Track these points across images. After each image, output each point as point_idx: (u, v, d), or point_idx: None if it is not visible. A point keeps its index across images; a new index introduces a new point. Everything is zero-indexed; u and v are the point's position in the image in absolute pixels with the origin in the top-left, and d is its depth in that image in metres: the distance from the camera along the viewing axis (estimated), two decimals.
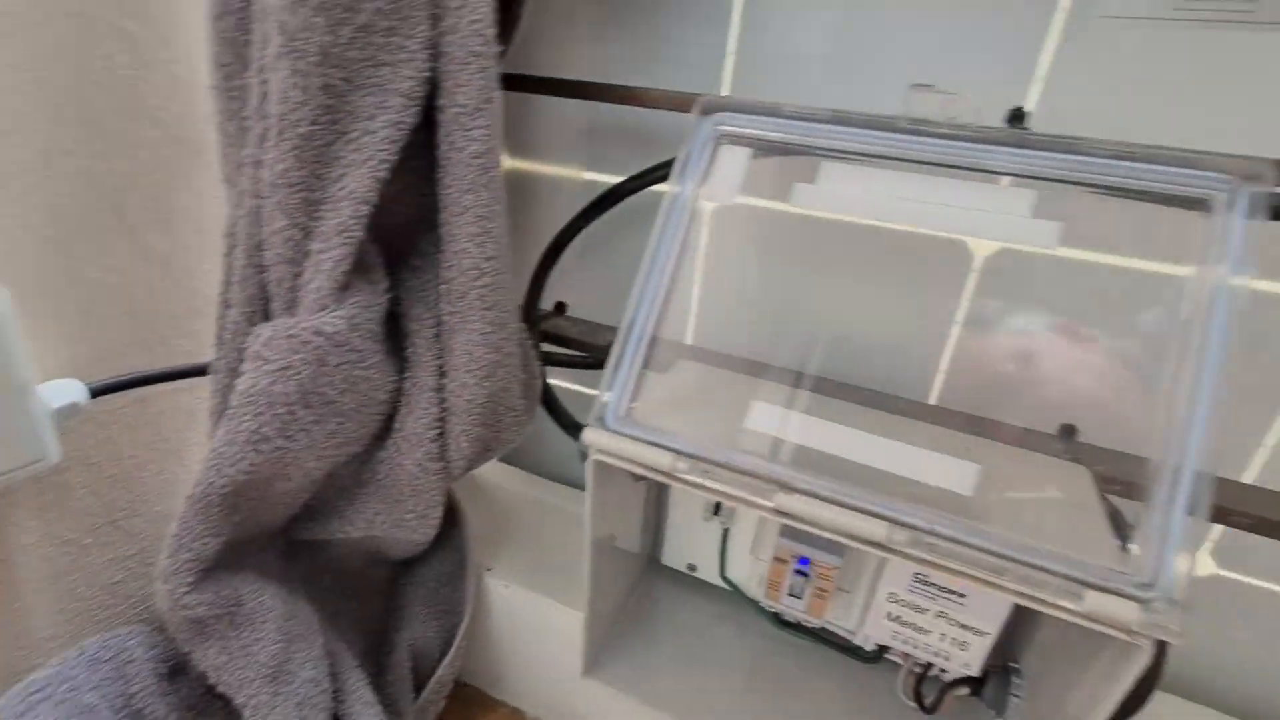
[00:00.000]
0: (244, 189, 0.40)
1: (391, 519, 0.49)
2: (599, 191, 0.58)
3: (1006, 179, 0.40)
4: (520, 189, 0.69)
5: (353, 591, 0.59)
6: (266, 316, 0.42)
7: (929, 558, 0.35)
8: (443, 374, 0.45)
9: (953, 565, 0.35)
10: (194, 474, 0.41)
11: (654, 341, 0.45)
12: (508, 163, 0.68)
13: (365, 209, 0.38)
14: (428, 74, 0.38)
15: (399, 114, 0.37)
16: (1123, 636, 0.32)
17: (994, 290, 0.55)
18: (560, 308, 0.64)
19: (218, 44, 0.39)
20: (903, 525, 0.36)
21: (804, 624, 0.55)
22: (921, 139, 0.40)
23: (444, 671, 0.58)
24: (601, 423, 0.42)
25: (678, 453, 0.40)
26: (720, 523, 0.55)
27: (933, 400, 0.59)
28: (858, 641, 0.53)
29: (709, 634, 0.57)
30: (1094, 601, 0.32)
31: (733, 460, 0.39)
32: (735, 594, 0.58)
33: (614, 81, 0.55)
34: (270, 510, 0.46)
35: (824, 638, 0.55)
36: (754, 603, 0.57)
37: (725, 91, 0.58)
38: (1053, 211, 0.40)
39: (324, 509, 0.51)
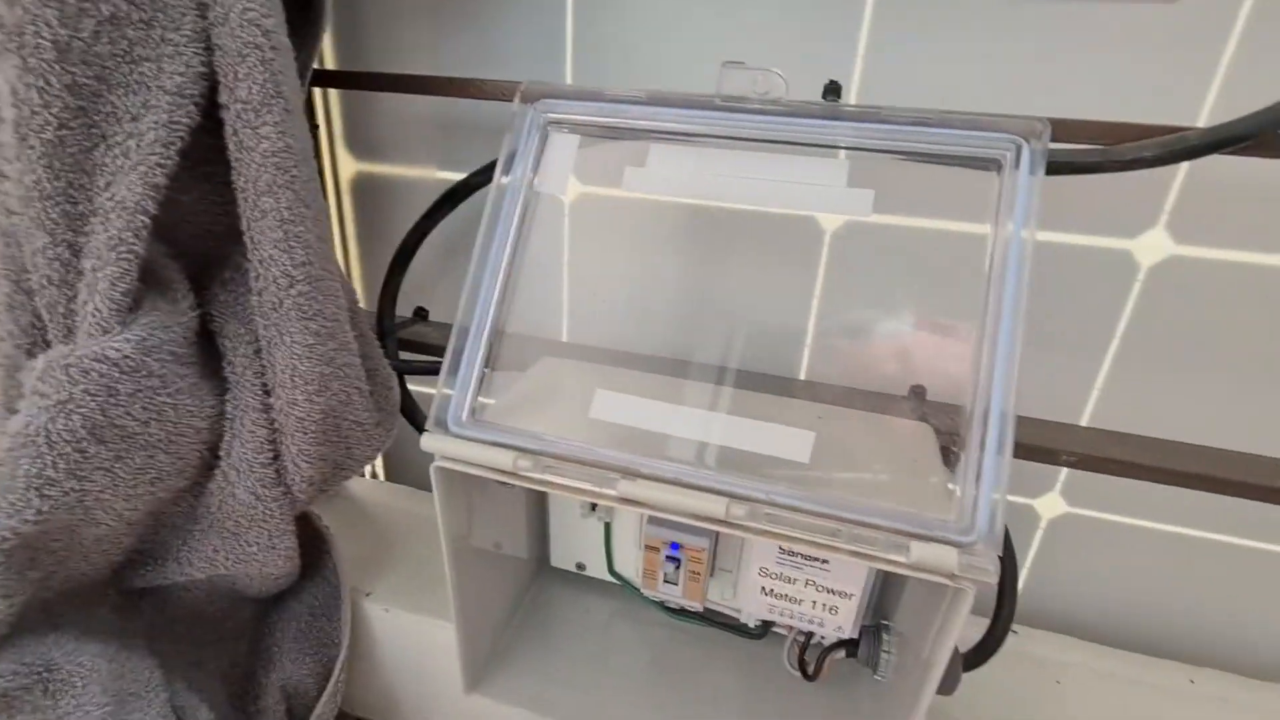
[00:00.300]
0: None
1: (234, 555, 0.46)
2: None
3: (825, 151, 0.41)
4: (372, 193, 0.66)
5: (213, 638, 0.54)
6: (48, 346, 0.38)
7: (767, 528, 0.35)
8: (268, 393, 0.42)
9: (790, 533, 0.35)
10: None
11: (502, 338, 0.43)
12: (354, 166, 0.65)
13: (142, 219, 0.35)
14: (202, 69, 0.35)
15: (170, 113, 0.34)
16: (947, 582, 0.33)
17: (845, 260, 0.56)
18: (420, 313, 0.61)
19: None
20: (740, 499, 0.35)
21: (690, 609, 0.55)
22: (737, 115, 0.41)
23: (322, 709, 0.54)
24: (442, 426, 0.40)
25: (520, 450, 0.39)
26: (599, 518, 0.54)
27: (802, 374, 0.61)
28: (743, 620, 0.53)
29: (602, 632, 0.56)
30: (919, 552, 0.33)
31: (575, 453, 0.38)
32: (627, 588, 0.57)
33: (461, 75, 0.53)
34: (84, 560, 0.42)
35: (714, 620, 0.55)
36: (644, 595, 0.56)
37: (569, 79, 0.57)
38: (867, 180, 0.41)
39: (157, 552, 0.46)
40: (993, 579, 0.32)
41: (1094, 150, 0.38)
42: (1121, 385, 0.54)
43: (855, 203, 0.40)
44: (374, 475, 0.77)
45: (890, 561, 0.34)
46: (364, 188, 0.66)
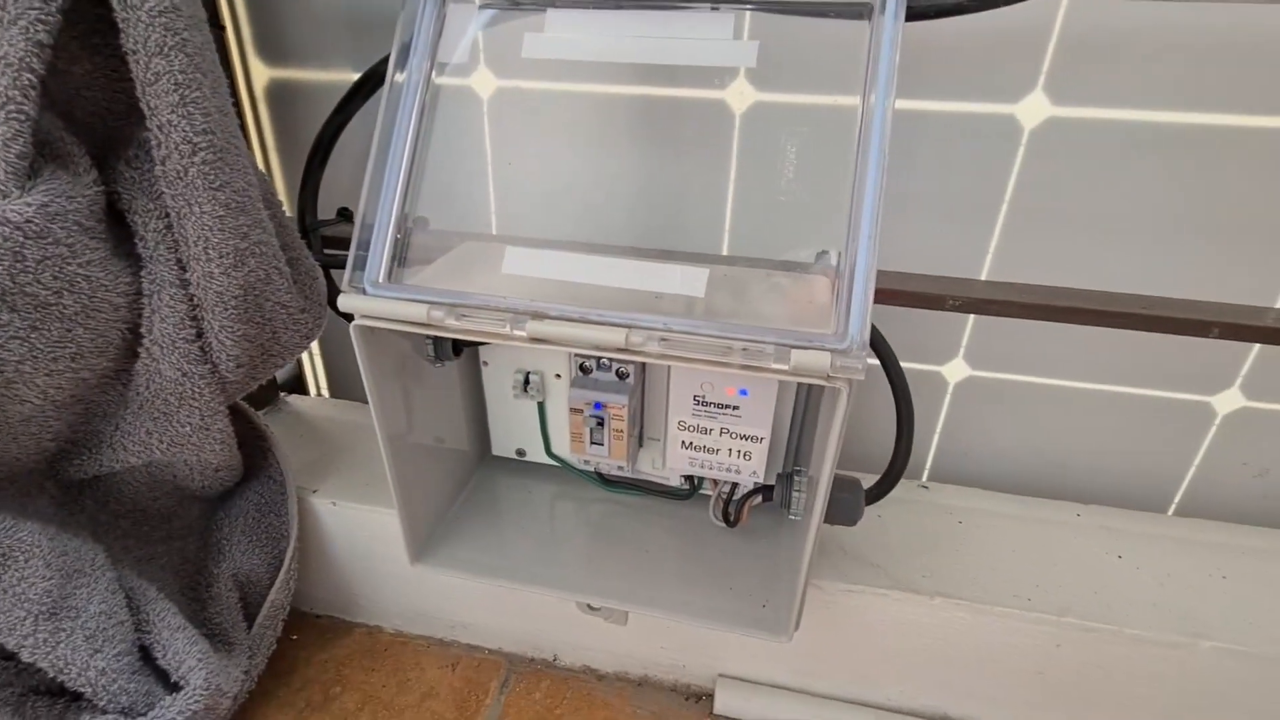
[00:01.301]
0: None
1: (168, 438, 0.47)
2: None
3: (708, 6, 0.42)
4: (289, 101, 0.65)
5: (161, 535, 0.56)
6: None
7: (665, 351, 0.38)
8: (184, 268, 0.43)
9: (686, 354, 0.38)
10: None
11: (424, 230, 0.45)
12: (267, 73, 0.64)
13: (29, 77, 0.35)
14: None
15: None
16: (822, 382, 0.36)
17: (754, 136, 0.58)
18: (344, 213, 0.62)
19: None
20: (639, 328, 0.38)
21: (623, 477, 0.58)
22: None
23: (275, 596, 0.57)
24: (357, 289, 0.42)
25: (434, 303, 0.41)
26: (531, 397, 0.56)
27: (724, 251, 0.63)
28: (672, 482, 0.57)
29: (543, 508, 0.59)
30: (798, 358, 0.36)
31: (487, 301, 0.40)
32: (566, 469, 0.60)
33: None
34: (14, 442, 0.43)
35: (647, 489, 0.59)
36: (583, 473, 0.59)
37: None
38: (753, 34, 0.43)
39: (90, 441, 0.47)
40: (860, 376, 0.36)
41: None
42: (1012, 245, 0.58)
43: (742, 53, 0.42)
44: (319, 393, 0.79)
45: (776, 370, 0.37)
46: (280, 96, 0.65)
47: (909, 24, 0.40)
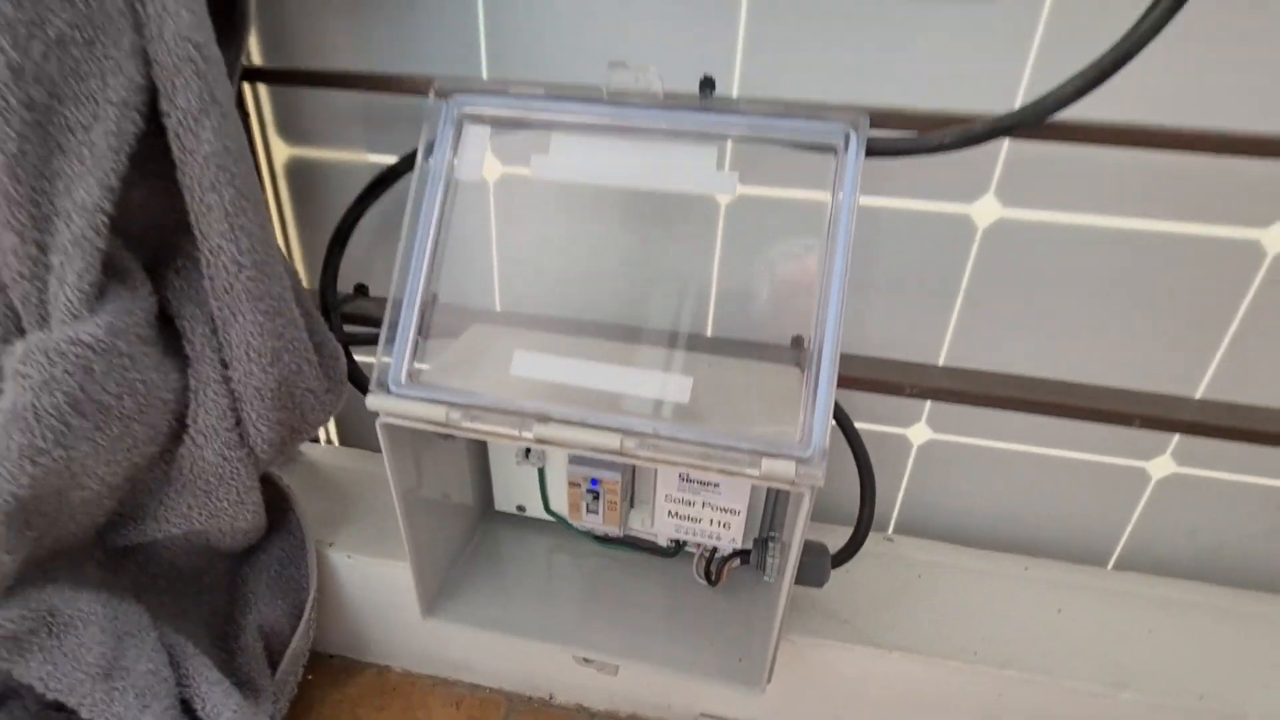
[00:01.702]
0: None
1: (206, 511, 0.52)
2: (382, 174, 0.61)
3: (699, 137, 0.48)
4: (306, 177, 0.70)
5: (193, 591, 0.61)
6: (21, 334, 0.43)
7: (654, 455, 0.44)
8: (226, 366, 0.48)
9: (672, 459, 0.43)
10: None
11: (435, 309, 0.50)
12: (286, 151, 0.69)
13: (100, 218, 0.40)
14: (142, 81, 0.39)
15: (118, 123, 0.39)
16: (787, 488, 0.42)
17: (738, 229, 0.64)
18: (360, 289, 0.67)
19: None
20: (632, 434, 0.44)
21: (615, 536, 0.64)
22: (623, 108, 0.47)
23: (297, 644, 0.62)
24: (383, 388, 0.47)
25: (451, 404, 0.46)
26: (533, 464, 0.62)
27: (709, 330, 0.69)
28: (659, 541, 0.63)
29: (541, 562, 0.65)
30: (767, 466, 0.42)
31: (498, 404, 0.46)
32: (562, 524, 0.65)
33: (383, 69, 0.58)
34: (73, 520, 0.48)
35: (636, 545, 0.64)
36: (577, 529, 0.65)
37: (485, 73, 0.63)
38: (740, 157, 0.49)
39: (137, 513, 0.52)
40: (821, 483, 0.41)
41: (908, 138, 0.47)
42: (968, 331, 0.64)
43: (723, 183, 0.48)
44: (329, 441, 0.84)
45: (747, 475, 0.43)
46: (298, 172, 0.70)
47: (869, 158, 0.46)
